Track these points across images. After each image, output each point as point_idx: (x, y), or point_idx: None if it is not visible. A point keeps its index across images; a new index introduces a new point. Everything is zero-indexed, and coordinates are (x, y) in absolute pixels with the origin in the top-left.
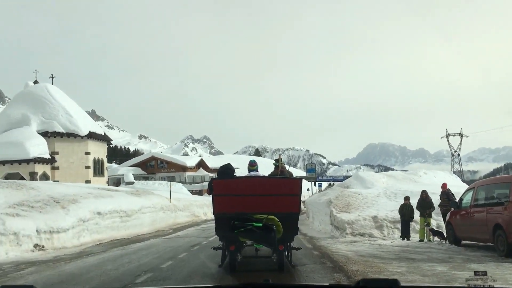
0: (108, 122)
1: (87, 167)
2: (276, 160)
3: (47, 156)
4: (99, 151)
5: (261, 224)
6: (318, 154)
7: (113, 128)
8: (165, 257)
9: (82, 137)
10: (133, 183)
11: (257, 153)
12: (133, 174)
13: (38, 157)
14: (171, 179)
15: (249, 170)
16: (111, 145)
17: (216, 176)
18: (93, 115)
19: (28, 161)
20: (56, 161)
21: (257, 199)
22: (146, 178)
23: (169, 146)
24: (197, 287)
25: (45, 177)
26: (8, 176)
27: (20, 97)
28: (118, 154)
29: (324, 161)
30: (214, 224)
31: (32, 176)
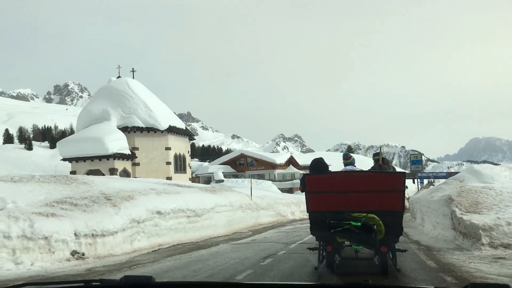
0: (202, 123)
1: (168, 163)
2: (376, 154)
3: (127, 151)
4: (180, 146)
5: (359, 224)
6: (415, 151)
7: (207, 129)
8: (219, 276)
9: (162, 131)
10: (222, 181)
11: (350, 150)
12: (223, 172)
13: (118, 153)
14: (261, 176)
15: (344, 164)
16: (193, 140)
17: (308, 172)
18: (189, 116)
19: (107, 157)
20: (136, 157)
21: (355, 196)
22: (235, 176)
23: (260, 145)
24: (297, 284)
25: (125, 173)
26: (89, 173)
27: (101, 92)
28: (212, 154)
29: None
30: (300, 226)
31: (112, 172)
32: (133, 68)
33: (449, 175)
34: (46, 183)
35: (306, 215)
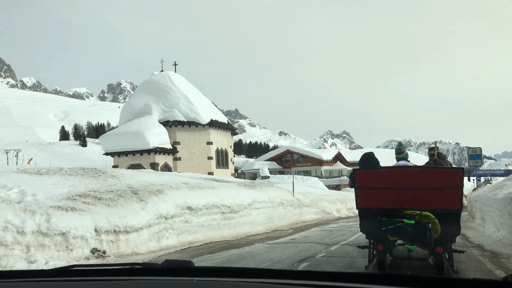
0: (250, 120)
1: (210, 158)
2: (431, 149)
3: (168, 146)
4: (222, 141)
5: (413, 222)
6: (469, 147)
7: (255, 126)
8: None
9: (203, 125)
10: (268, 177)
11: (400, 146)
12: (268, 169)
13: (159, 147)
14: (307, 173)
15: (397, 159)
16: (236, 135)
17: (358, 167)
18: (237, 113)
19: (148, 151)
20: (177, 152)
21: (408, 192)
22: (281, 173)
23: (308, 142)
24: (345, 273)
25: (166, 168)
26: (130, 167)
27: (143, 86)
28: (258, 150)
29: None
30: (346, 224)
31: (153, 167)
32: (175, 62)
33: (508, 172)
34: (73, 176)
35: (352, 213)
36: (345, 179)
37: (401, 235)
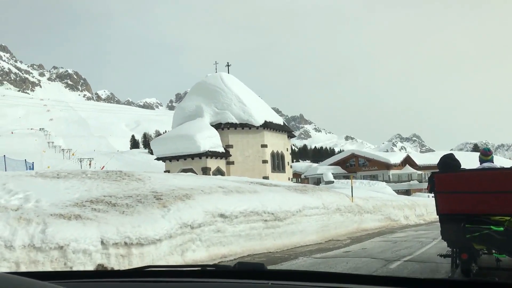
0: (315, 125)
1: (264, 161)
2: None
3: (220, 149)
4: (277, 143)
5: (502, 229)
6: None
7: (320, 131)
8: None
9: (257, 127)
10: (332, 182)
11: (476, 149)
12: (332, 173)
13: (210, 151)
14: (374, 178)
15: (482, 161)
16: (293, 137)
17: (438, 170)
18: (301, 119)
19: (200, 155)
20: (230, 155)
21: (496, 197)
22: (346, 177)
23: (376, 146)
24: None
25: (219, 172)
26: (182, 172)
27: (195, 88)
28: (323, 155)
29: None
30: (414, 234)
31: (205, 171)
32: (228, 63)
33: None
34: (92, 179)
35: (422, 220)
36: (415, 183)
37: (489, 243)
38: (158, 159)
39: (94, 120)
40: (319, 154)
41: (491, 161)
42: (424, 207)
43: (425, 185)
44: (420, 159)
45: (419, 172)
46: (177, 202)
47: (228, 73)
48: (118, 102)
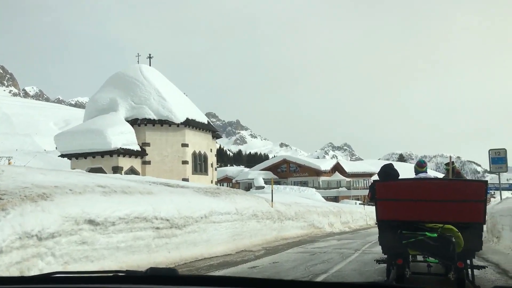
0: (251, 131)
1: (185, 162)
2: (447, 164)
3: (135, 147)
4: (200, 143)
5: (435, 235)
6: (471, 161)
7: (256, 137)
8: None
9: (177, 125)
10: (263, 187)
11: (401, 159)
12: (263, 179)
13: (123, 148)
14: (304, 184)
15: (417, 172)
16: (217, 137)
17: (378, 178)
18: (238, 124)
19: (110, 153)
20: (147, 154)
21: (431, 205)
22: (277, 183)
23: (309, 154)
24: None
25: (132, 172)
26: (90, 171)
27: (111, 80)
28: (257, 161)
29: (478, 169)
30: (336, 243)
31: (116, 171)
32: (149, 54)
33: None
34: None
35: (348, 228)
36: (343, 190)
37: (423, 248)
38: (62, 156)
39: (20, 117)
40: (254, 160)
41: (425, 172)
42: (350, 214)
43: (353, 192)
44: (350, 166)
45: (348, 179)
46: (24, 204)
47: (150, 65)
48: (47, 99)
